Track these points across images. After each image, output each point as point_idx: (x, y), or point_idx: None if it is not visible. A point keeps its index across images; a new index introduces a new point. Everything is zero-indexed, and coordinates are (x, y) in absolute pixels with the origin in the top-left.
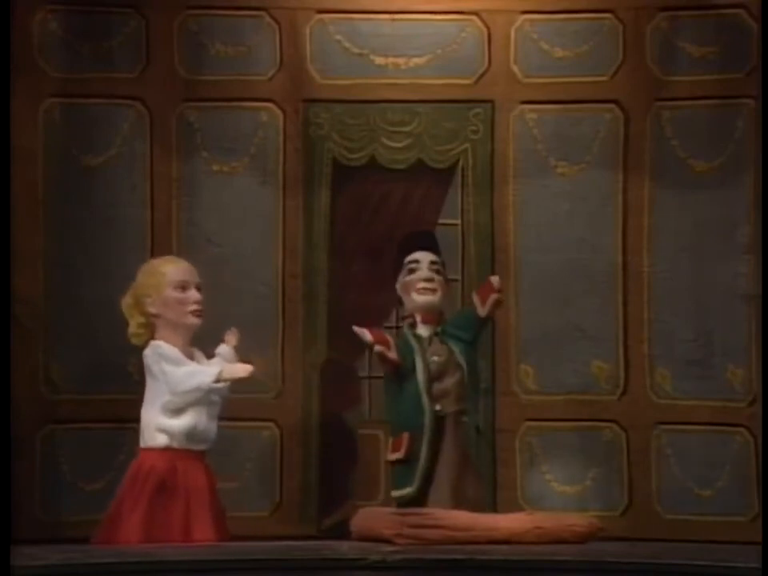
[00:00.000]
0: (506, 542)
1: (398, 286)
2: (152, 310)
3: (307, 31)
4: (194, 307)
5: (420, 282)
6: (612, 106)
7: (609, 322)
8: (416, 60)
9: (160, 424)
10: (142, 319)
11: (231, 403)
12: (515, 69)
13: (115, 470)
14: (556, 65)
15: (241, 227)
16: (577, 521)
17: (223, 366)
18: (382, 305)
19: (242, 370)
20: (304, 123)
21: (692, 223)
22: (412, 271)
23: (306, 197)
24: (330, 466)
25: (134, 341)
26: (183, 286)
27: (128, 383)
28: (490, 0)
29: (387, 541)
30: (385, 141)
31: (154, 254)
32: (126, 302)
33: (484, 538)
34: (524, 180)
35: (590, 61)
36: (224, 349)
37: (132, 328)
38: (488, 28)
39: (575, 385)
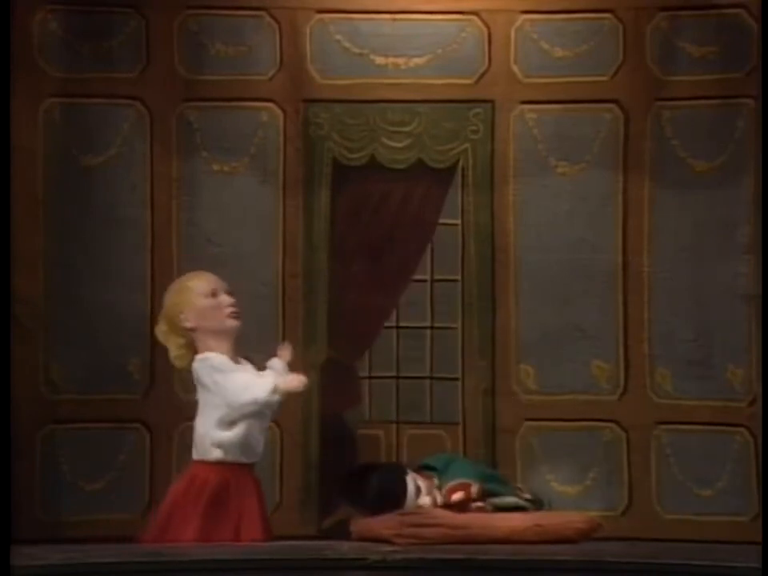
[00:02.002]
0: (506, 540)
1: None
2: (188, 324)
3: (307, 31)
4: (230, 310)
5: None
6: (612, 105)
7: (609, 322)
8: (416, 60)
9: (214, 438)
10: (181, 340)
11: None
12: (515, 69)
13: (115, 470)
14: (556, 65)
15: (241, 227)
16: (577, 518)
17: (277, 378)
18: (382, 305)
19: (298, 382)
20: (304, 123)
21: (692, 223)
22: None
23: (306, 197)
24: (330, 466)
25: (178, 364)
26: (213, 293)
27: (128, 383)
28: (489, 0)
29: (387, 541)
30: (385, 141)
31: (154, 253)
32: (160, 329)
33: (483, 537)
34: (524, 180)
35: (590, 61)
36: (276, 363)
37: (173, 351)
38: (488, 28)
39: (575, 385)
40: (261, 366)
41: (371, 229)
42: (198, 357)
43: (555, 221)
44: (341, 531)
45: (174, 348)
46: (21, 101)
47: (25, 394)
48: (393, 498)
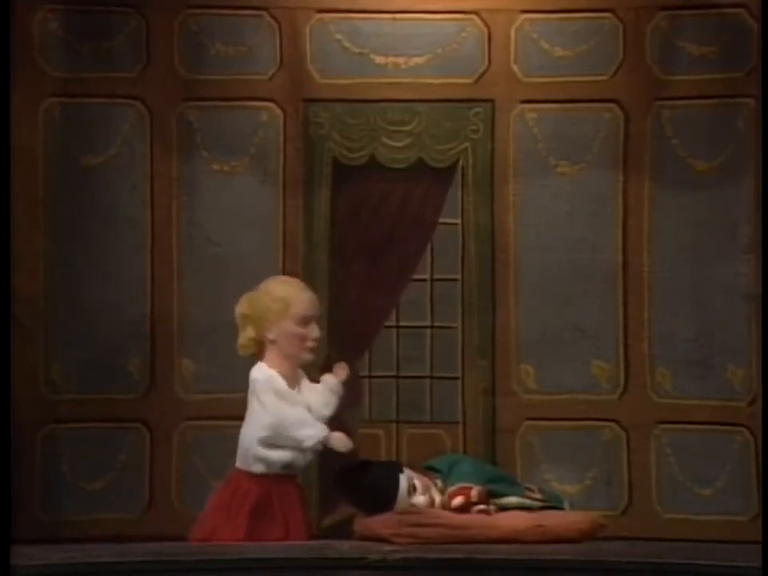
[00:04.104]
0: (507, 540)
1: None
2: (269, 335)
3: (307, 31)
4: (312, 344)
5: None
6: (612, 105)
7: (609, 321)
8: (416, 59)
9: (257, 453)
10: (253, 334)
11: (232, 403)
12: (515, 68)
13: (115, 470)
14: (556, 64)
15: (241, 227)
16: (579, 518)
17: (329, 432)
18: (382, 304)
19: (345, 444)
20: (304, 123)
21: (692, 223)
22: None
23: (306, 197)
24: (330, 465)
25: (241, 352)
26: (305, 322)
27: (128, 383)
28: (489, 0)
29: (386, 540)
30: (385, 140)
31: (154, 253)
32: (242, 312)
33: (484, 537)
34: (524, 180)
35: (589, 60)
36: (330, 379)
37: (242, 339)
38: (488, 27)
39: (575, 385)
40: (314, 379)
41: (371, 229)
42: (261, 368)
43: (555, 221)
44: (341, 531)
45: (244, 337)
46: (21, 101)
47: (25, 394)
48: (384, 495)
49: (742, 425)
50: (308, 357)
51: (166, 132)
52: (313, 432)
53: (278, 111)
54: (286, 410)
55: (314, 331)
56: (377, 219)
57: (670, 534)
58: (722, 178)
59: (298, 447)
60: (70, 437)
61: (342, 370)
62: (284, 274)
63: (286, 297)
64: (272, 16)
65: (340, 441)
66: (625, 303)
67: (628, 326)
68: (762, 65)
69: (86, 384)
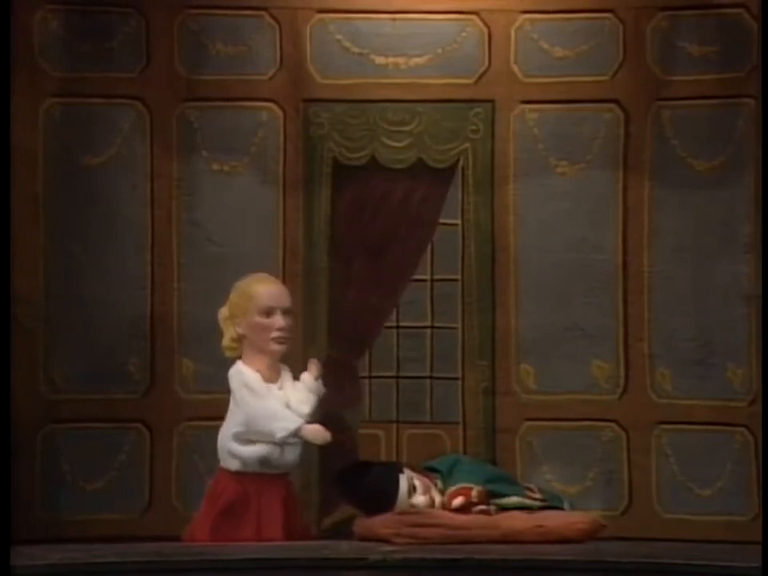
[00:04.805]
0: (507, 540)
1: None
2: (239, 330)
3: (307, 31)
4: (277, 334)
5: None
6: (612, 105)
7: (609, 321)
8: (416, 60)
9: (231, 449)
10: (234, 334)
11: None
12: (515, 68)
13: (115, 470)
14: (556, 64)
15: (241, 227)
16: (579, 518)
17: (302, 424)
18: (382, 304)
19: (320, 436)
20: (304, 123)
21: (692, 223)
22: None
23: (306, 197)
24: (330, 465)
25: (227, 353)
26: (268, 312)
27: (128, 383)
28: (489, 0)
29: (386, 541)
30: (385, 140)
31: (154, 253)
32: (223, 314)
33: (484, 537)
34: (524, 179)
35: (590, 60)
36: (307, 378)
37: (226, 341)
38: (488, 28)
39: (575, 385)
40: (296, 376)
41: (371, 228)
42: (237, 365)
43: (555, 221)
44: (341, 531)
45: (228, 339)
46: (21, 101)
47: (25, 394)
48: (384, 496)
49: (742, 425)
50: (276, 348)
51: (166, 132)
52: (284, 424)
53: (278, 111)
54: (257, 403)
55: (278, 321)
56: (377, 219)
57: (669, 534)
58: (722, 177)
59: (271, 441)
60: (70, 437)
61: (314, 366)
62: (284, 274)
63: (248, 290)
64: (272, 16)
65: (316, 433)
66: (625, 303)
67: (628, 326)
68: (762, 65)
69: (86, 384)
